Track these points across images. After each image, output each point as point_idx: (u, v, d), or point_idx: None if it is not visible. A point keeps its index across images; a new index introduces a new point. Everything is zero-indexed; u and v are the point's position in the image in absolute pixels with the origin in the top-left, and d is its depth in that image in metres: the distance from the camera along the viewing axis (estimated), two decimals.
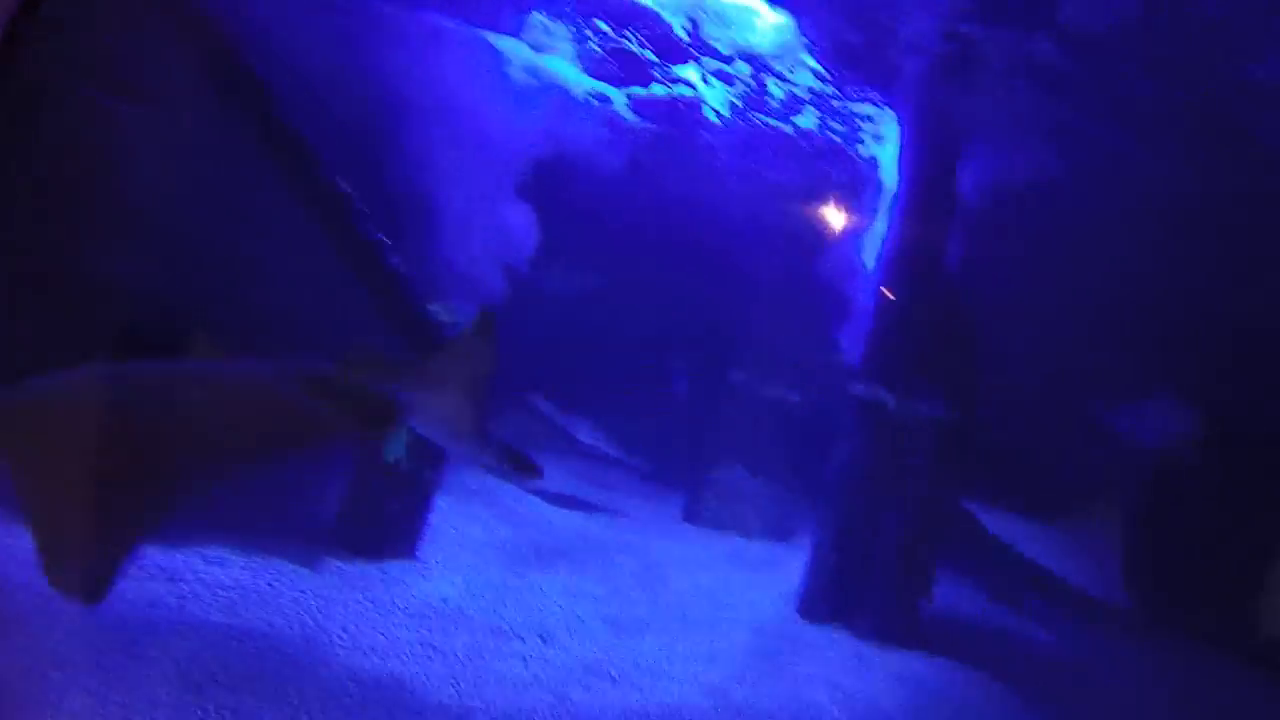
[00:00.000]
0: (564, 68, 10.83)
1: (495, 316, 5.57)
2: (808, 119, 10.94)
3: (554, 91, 11.12)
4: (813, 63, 9.37)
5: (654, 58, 10.25)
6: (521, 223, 9.19)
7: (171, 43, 6.50)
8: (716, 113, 11.34)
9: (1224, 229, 11.36)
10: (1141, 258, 12.79)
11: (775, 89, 10.20)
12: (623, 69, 10.85)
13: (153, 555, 6.31)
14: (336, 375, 4.65)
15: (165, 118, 7.49)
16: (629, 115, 12.01)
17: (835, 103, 10.15)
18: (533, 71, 10.71)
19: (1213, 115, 8.53)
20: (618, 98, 11.52)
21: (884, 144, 10.84)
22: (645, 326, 17.55)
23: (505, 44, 10.32)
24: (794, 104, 10.49)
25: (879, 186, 10.93)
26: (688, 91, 10.90)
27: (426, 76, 9.48)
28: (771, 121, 11.35)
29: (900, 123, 9.96)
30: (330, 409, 4.37)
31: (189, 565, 6.34)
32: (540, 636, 6.87)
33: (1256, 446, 13.38)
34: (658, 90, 11.14)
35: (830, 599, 8.93)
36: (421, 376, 5.78)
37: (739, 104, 11.08)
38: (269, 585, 6.41)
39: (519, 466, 6.06)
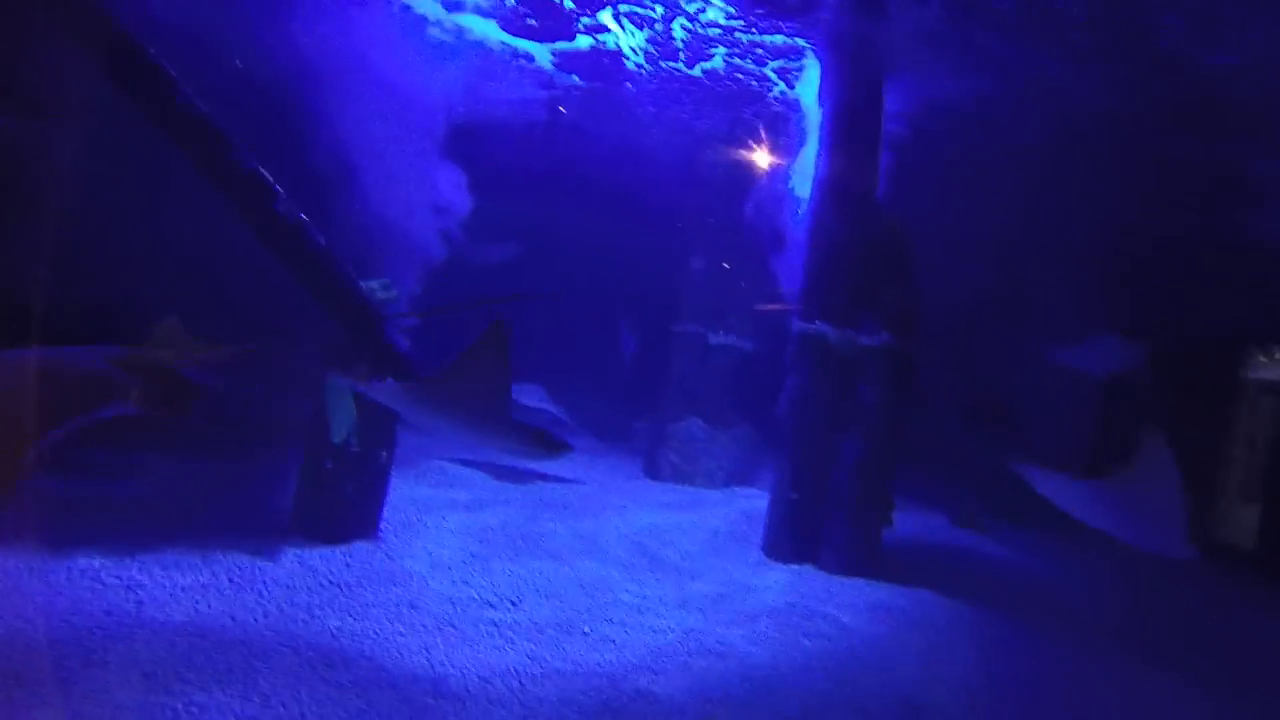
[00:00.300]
0: (484, 25, 10.65)
1: (508, 327, 5.97)
2: (721, 61, 10.86)
3: (475, 50, 11.00)
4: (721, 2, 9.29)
5: (571, 4, 10.07)
6: (451, 188, 9.03)
7: (60, 41, 6.27)
8: (637, 65, 11.24)
9: (1148, 150, 11.62)
10: (1064, 181, 13.11)
11: (686, 29, 10.07)
12: (543, 22, 10.68)
13: (106, 567, 6.21)
14: (134, 357, 5.34)
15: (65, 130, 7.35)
16: (552, 69, 11.93)
17: (749, 38, 10.06)
18: (454, 32, 10.58)
19: (1134, 33, 8.64)
20: (541, 54, 11.39)
21: (804, 78, 10.82)
22: (586, 286, 17.57)
23: (425, 6, 10.13)
24: (707, 44, 10.40)
25: (803, 121, 10.95)
26: (610, 40, 10.75)
27: (343, 42, 9.29)
28: (690, 70, 11.28)
29: (818, 53, 9.95)
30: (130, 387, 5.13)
31: (145, 572, 6.25)
32: (510, 601, 6.88)
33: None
34: (582, 43, 11.01)
35: (794, 536, 9.05)
36: (430, 388, 6.49)
37: (654, 52, 10.97)
38: (230, 581, 6.33)
39: (550, 447, 6.70)
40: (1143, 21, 8.35)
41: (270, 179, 6.55)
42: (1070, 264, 15.24)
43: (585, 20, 10.39)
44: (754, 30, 9.76)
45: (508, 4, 10.15)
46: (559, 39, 11.07)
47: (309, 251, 6.65)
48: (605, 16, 10.23)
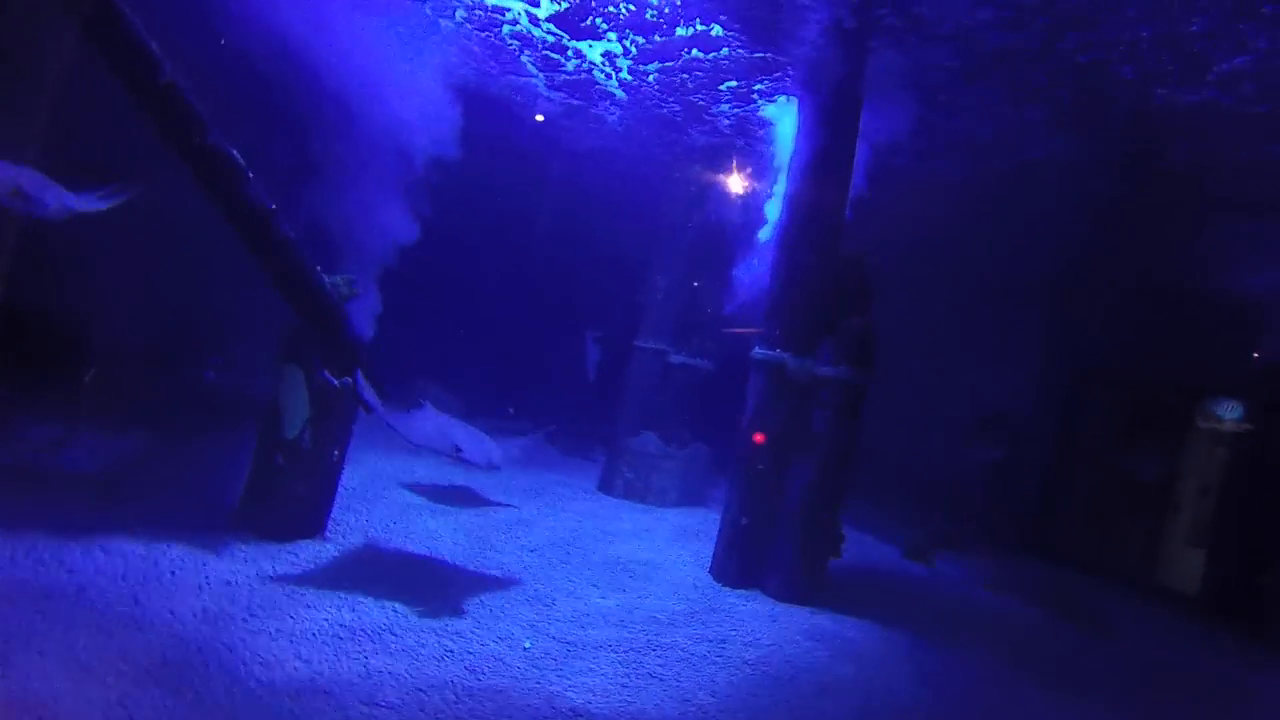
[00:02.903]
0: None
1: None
2: (707, 86, 10.97)
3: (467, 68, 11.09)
4: (716, 29, 9.38)
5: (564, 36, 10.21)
6: (420, 199, 9.08)
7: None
8: (620, 82, 11.34)
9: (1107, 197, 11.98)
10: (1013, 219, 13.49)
11: (672, 52, 10.17)
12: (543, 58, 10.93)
13: (48, 548, 6.17)
14: None
15: None
16: (544, 90, 12.05)
17: (732, 65, 10.19)
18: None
19: (1086, 81, 8.88)
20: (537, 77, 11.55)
21: (777, 104, 10.97)
22: (552, 299, 17.64)
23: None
24: (690, 68, 10.50)
25: (774, 147, 11.10)
26: (600, 63, 10.85)
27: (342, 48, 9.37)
28: (671, 93, 11.39)
29: (797, 85, 10.08)
30: None
31: (88, 557, 6.20)
32: (453, 613, 6.89)
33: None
34: (571, 66, 11.12)
35: (741, 561, 9.14)
36: None
37: (630, 76, 11.09)
38: (171, 574, 6.30)
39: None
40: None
41: (243, 163, 6.56)
42: (1021, 303, 15.70)
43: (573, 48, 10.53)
44: (733, 52, 9.86)
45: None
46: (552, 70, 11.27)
47: (275, 239, 6.67)
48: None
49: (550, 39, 10.31)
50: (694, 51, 9.90)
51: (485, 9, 9.88)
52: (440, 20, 10.40)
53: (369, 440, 10.72)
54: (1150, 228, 12.64)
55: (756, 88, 10.58)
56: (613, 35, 9.90)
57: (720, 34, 9.37)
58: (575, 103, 12.44)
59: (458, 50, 11.09)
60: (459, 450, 7.59)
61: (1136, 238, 13.18)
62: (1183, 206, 11.57)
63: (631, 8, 9.16)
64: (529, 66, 11.36)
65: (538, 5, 9.55)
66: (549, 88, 11.98)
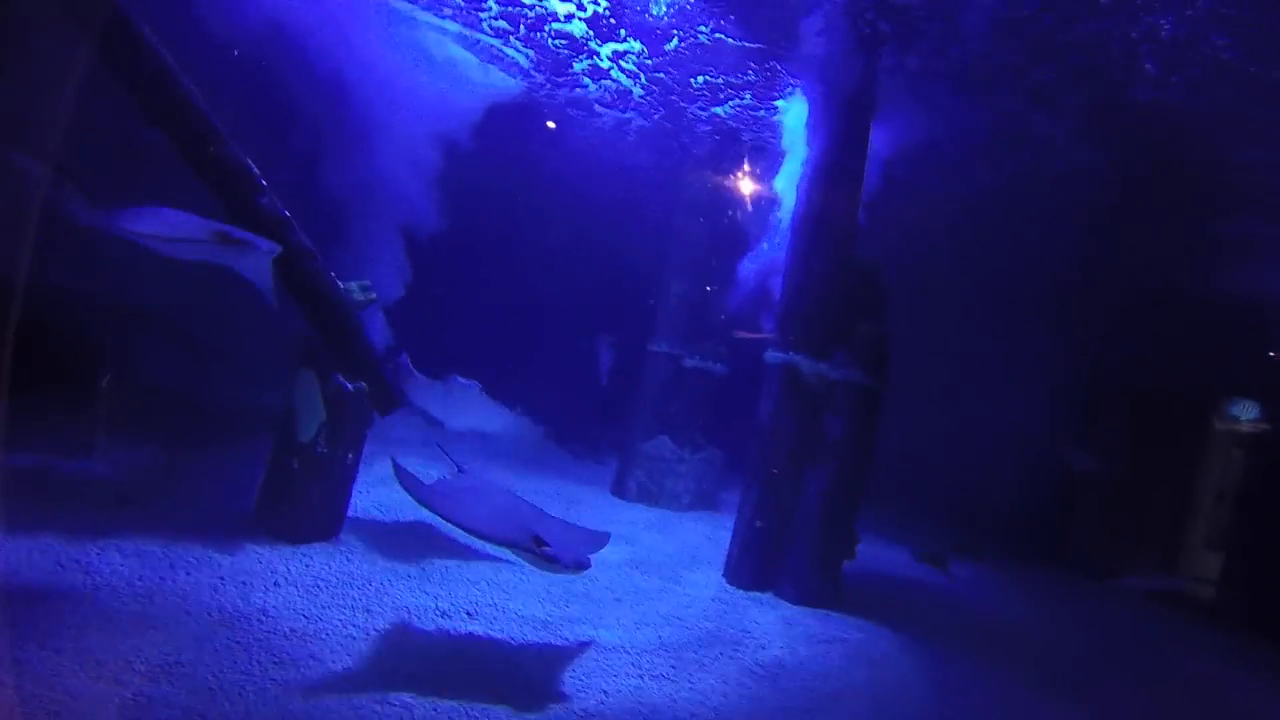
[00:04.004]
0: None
1: None
2: (715, 91, 11.01)
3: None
4: (727, 33, 9.42)
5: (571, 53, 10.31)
6: (432, 204, 9.17)
7: None
8: (629, 92, 11.40)
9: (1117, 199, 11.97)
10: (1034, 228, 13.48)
11: (683, 59, 10.21)
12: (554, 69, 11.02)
13: (65, 550, 6.21)
14: None
15: None
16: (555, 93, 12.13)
17: (744, 69, 10.22)
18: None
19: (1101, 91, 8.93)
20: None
21: (791, 108, 10.99)
22: (565, 302, 17.65)
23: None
24: (702, 71, 10.54)
25: (787, 153, 11.11)
26: (610, 65, 10.90)
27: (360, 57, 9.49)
28: (682, 100, 11.44)
29: (806, 90, 10.09)
30: None
31: (104, 558, 6.25)
32: (467, 613, 6.90)
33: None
34: (582, 69, 11.19)
35: (755, 564, 9.12)
36: None
37: (642, 77, 11.13)
38: (186, 574, 6.33)
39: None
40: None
41: (257, 172, 6.62)
42: (1040, 313, 15.64)
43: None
44: (745, 57, 9.89)
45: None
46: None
47: (290, 249, 6.69)
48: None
49: (561, 41, 10.36)
50: (705, 55, 9.94)
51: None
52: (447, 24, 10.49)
53: (383, 443, 10.73)
54: (1161, 232, 12.60)
55: (769, 91, 10.61)
56: (623, 32, 9.95)
57: (732, 39, 9.40)
58: (581, 106, 12.49)
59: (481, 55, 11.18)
60: (541, 545, 5.75)
61: (1147, 244, 13.13)
62: (1192, 209, 11.55)
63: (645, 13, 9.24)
64: (535, 71, 11.44)
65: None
66: (555, 89, 12.02)
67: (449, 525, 9.07)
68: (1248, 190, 10.64)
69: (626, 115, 12.59)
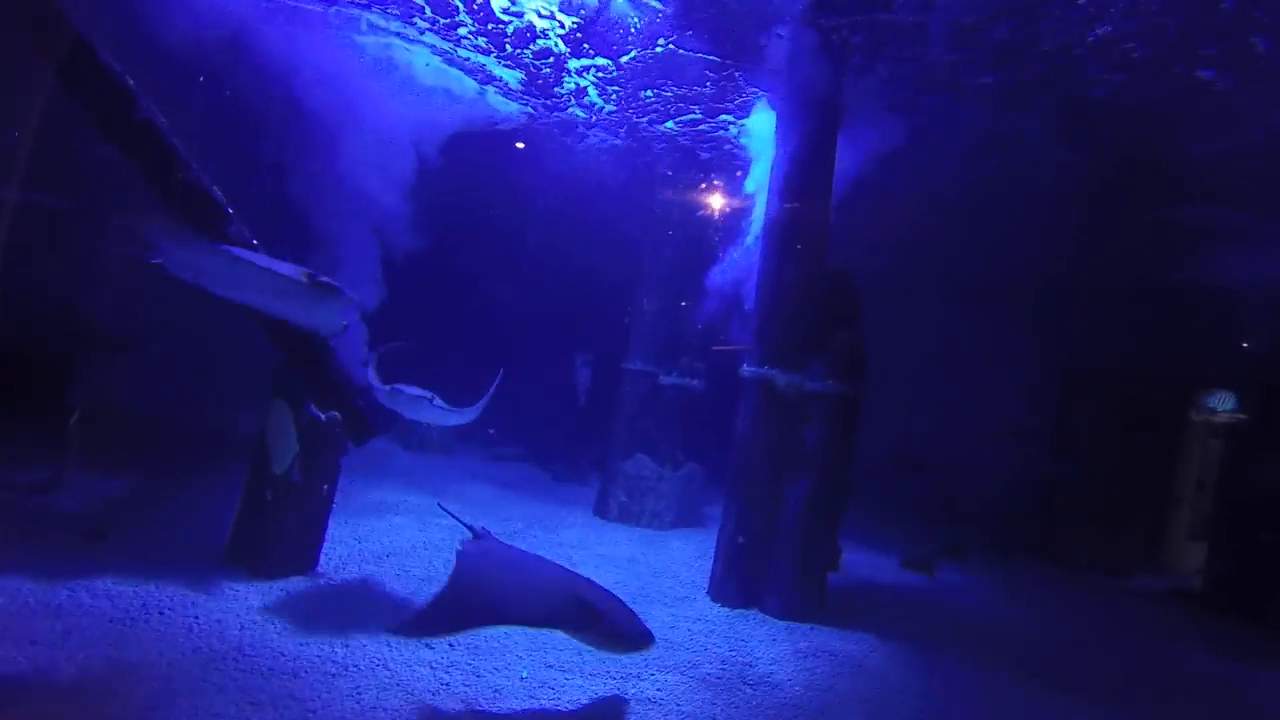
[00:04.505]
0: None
1: None
2: (684, 100, 11.03)
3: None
4: (690, 47, 9.44)
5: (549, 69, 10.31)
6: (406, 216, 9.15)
7: None
8: (593, 105, 11.39)
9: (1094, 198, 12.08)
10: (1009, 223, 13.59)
11: (648, 70, 10.22)
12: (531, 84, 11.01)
13: (33, 591, 6.07)
14: None
15: None
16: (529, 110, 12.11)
17: (708, 81, 10.25)
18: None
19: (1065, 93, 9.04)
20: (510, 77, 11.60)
21: (757, 120, 11.01)
22: (539, 323, 17.59)
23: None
24: (666, 85, 10.57)
25: (753, 165, 11.12)
26: (577, 83, 10.91)
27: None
28: (648, 120, 11.46)
29: (772, 101, 10.09)
30: None
31: (74, 599, 6.11)
32: (449, 643, 6.78)
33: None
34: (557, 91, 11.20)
35: (739, 581, 9.05)
36: None
37: (609, 94, 11.14)
38: (160, 614, 6.20)
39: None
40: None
41: (223, 200, 6.54)
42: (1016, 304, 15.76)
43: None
44: (709, 69, 9.92)
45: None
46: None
47: None
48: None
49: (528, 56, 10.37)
50: (669, 69, 9.95)
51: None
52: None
53: (359, 472, 10.64)
54: (1133, 223, 12.72)
55: (734, 103, 10.63)
56: (588, 47, 9.97)
57: (695, 51, 9.41)
58: (554, 123, 12.48)
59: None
60: (597, 616, 5.35)
61: (1121, 235, 13.24)
62: (1162, 199, 11.69)
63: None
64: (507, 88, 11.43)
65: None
66: (527, 107, 12.01)
67: (427, 557, 9.02)
68: (1204, 180, 10.87)
69: (592, 131, 12.59)
